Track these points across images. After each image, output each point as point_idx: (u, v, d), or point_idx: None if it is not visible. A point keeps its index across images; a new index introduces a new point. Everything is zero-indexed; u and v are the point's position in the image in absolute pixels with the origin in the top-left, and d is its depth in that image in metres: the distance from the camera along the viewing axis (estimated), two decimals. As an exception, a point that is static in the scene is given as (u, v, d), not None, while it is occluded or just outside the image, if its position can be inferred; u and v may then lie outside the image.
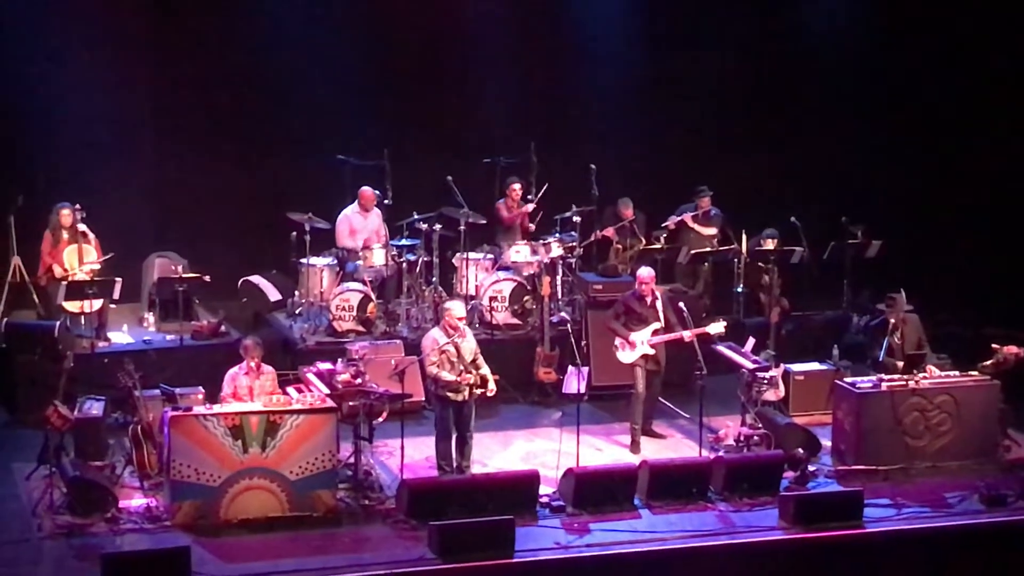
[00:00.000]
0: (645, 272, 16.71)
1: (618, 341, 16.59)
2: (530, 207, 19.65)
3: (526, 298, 18.91)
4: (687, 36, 21.46)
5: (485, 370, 15.40)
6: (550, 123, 20.94)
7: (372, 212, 19.28)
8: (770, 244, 19.78)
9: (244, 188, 20.13)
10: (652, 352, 16.52)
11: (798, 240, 19.85)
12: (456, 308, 15.57)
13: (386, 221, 19.35)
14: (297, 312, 18.92)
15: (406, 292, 19.11)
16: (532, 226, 19.71)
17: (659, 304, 16.58)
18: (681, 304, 16.76)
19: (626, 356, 16.56)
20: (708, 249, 19.88)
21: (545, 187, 19.62)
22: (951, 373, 16.59)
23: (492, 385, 15.41)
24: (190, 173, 19.87)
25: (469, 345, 15.41)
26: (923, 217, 21.17)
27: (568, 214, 19.60)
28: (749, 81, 21.57)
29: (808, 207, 20.26)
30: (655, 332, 16.50)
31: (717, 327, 16.61)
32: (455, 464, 15.48)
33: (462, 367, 15.25)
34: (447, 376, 15.22)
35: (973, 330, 18.83)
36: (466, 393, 15.28)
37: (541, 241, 19.33)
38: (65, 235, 17.98)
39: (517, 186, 19.73)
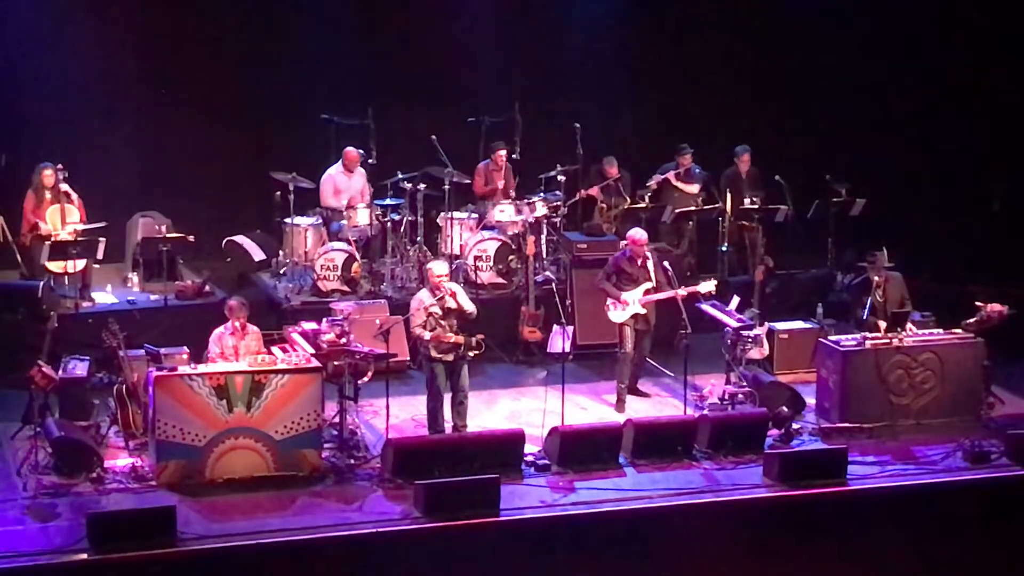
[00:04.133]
0: (639, 234, 16.67)
1: (610, 301, 16.59)
2: (500, 183, 19.50)
3: (511, 257, 18.91)
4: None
5: (464, 302, 15.34)
6: (535, 82, 20.89)
7: (356, 172, 19.25)
8: (745, 159, 19.89)
9: (228, 147, 20.05)
10: (643, 312, 16.53)
11: (782, 198, 19.86)
12: (436, 267, 15.56)
13: (370, 180, 19.33)
14: (282, 272, 18.91)
15: (391, 252, 19.09)
16: (499, 191, 19.61)
17: (650, 264, 16.58)
18: (666, 263, 16.76)
19: (617, 316, 16.56)
20: (692, 208, 19.88)
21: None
22: (935, 331, 16.63)
23: (470, 306, 15.35)
24: (174, 133, 19.79)
25: (458, 302, 15.38)
26: (907, 175, 21.16)
27: (552, 173, 19.57)
28: (733, 38, 21.50)
29: (792, 165, 20.26)
30: (647, 291, 16.51)
31: (708, 286, 16.64)
32: (451, 425, 15.49)
33: (449, 327, 15.26)
34: (428, 335, 15.23)
35: (957, 288, 18.85)
36: (455, 353, 15.29)
37: (526, 200, 19.31)
38: (48, 195, 17.95)
39: (503, 152, 19.64)
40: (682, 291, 16.36)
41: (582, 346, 17.92)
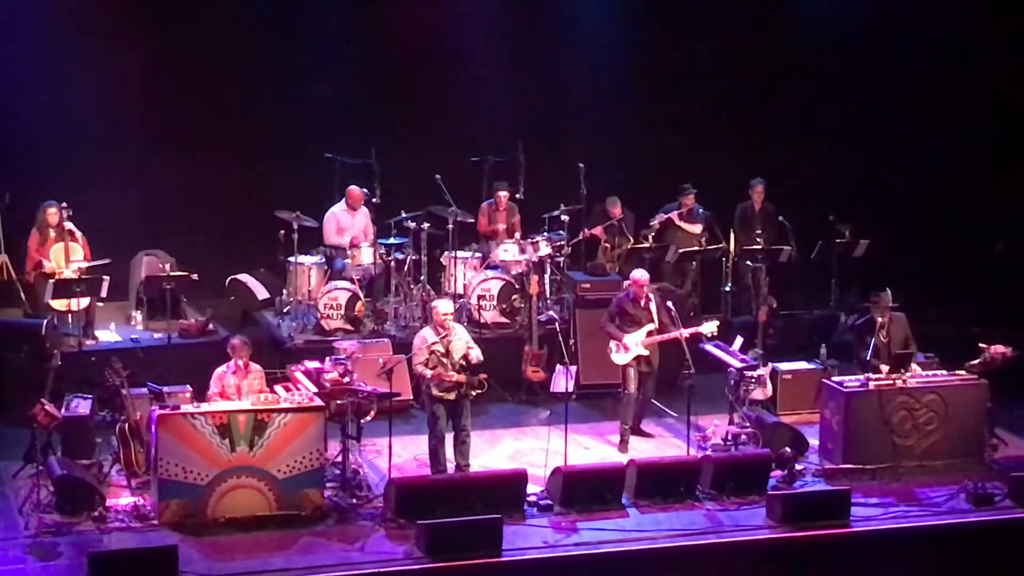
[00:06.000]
0: (640, 274, 16.69)
1: (612, 343, 16.58)
2: (500, 225, 19.54)
3: (514, 297, 18.91)
4: (675, 35, 21.46)
5: (476, 354, 15.33)
6: (538, 122, 20.94)
7: (360, 210, 19.28)
8: (759, 190, 19.98)
9: (232, 186, 20.10)
10: (646, 353, 16.52)
11: (786, 239, 19.89)
12: (442, 305, 15.57)
13: (374, 219, 19.35)
14: (285, 310, 18.91)
15: (394, 291, 19.12)
16: (501, 231, 19.65)
17: (652, 305, 16.58)
18: (669, 303, 16.76)
19: (620, 358, 16.55)
20: (696, 248, 19.90)
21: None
22: (938, 372, 16.62)
23: (476, 354, 15.31)
24: (178, 171, 19.84)
25: (460, 342, 15.38)
26: (911, 216, 21.18)
27: (556, 213, 19.61)
28: (737, 80, 21.56)
29: (796, 206, 20.29)
30: (649, 333, 16.50)
31: (710, 327, 16.62)
32: (454, 464, 15.47)
33: (451, 366, 15.26)
34: (429, 373, 15.23)
35: (961, 329, 18.84)
36: (457, 392, 15.28)
37: (529, 240, 19.34)
38: (52, 233, 17.97)
39: (503, 194, 19.67)
40: (684, 332, 16.35)
41: (585, 386, 17.92)
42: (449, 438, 15.49)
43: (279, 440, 14.49)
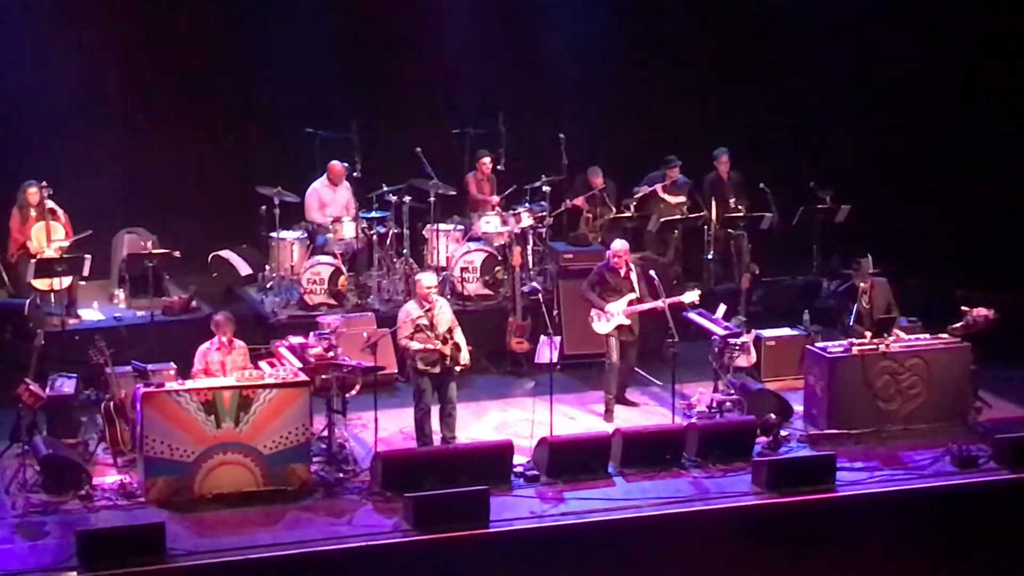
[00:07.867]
0: (619, 245, 16.72)
1: (593, 312, 16.60)
2: (495, 199, 19.56)
3: (497, 268, 18.92)
4: (655, 4, 21.43)
5: (460, 340, 15.40)
6: (519, 93, 20.90)
7: (341, 185, 19.26)
8: (724, 160, 20.01)
9: (213, 162, 20.03)
10: (627, 322, 16.54)
11: (767, 206, 19.91)
12: (425, 279, 15.57)
13: (355, 194, 19.33)
14: (268, 286, 18.90)
15: (377, 264, 19.09)
16: (496, 199, 19.66)
17: (633, 275, 16.60)
18: (652, 272, 16.78)
19: (601, 327, 16.57)
20: (678, 217, 19.91)
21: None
22: (921, 336, 16.66)
23: (465, 355, 15.42)
24: (158, 148, 19.74)
25: (444, 316, 15.42)
26: (892, 181, 21.20)
27: (538, 184, 19.60)
28: (717, 49, 21.51)
29: (776, 173, 20.30)
30: (630, 302, 16.53)
31: (692, 296, 16.67)
32: (440, 437, 15.49)
33: (436, 339, 15.27)
34: (415, 345, 15.24)
35: (943, 293, 18.87)
36: (442, 365, 15.30)
37: (511, 211, 19.34)
38: (33, 212, 17.93)
39: (487, 160, 19.69)
40: (665, 302, 16.35)
41: (569, 356, 17.92)
42: (435, 411, 15.52)
43: (265, 416, 14.49)
